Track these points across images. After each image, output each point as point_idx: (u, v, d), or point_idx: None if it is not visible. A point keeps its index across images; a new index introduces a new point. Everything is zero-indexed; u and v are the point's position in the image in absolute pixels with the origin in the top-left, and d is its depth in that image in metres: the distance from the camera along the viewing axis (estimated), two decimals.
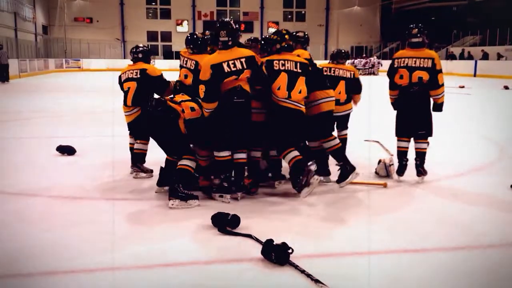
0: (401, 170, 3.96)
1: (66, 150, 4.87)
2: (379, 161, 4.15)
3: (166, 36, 32.25)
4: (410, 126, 3.91)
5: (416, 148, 3.92)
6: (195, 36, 3.85)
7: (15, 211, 3.18)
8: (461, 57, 23.01)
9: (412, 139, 3.96)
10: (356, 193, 3.67)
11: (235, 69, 3.31)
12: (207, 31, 4.01)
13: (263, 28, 32.65)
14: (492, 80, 18.10)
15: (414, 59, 3.79)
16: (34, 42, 26.99)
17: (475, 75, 20.93)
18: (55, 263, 2.37)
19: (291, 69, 3.43)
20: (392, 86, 3.99)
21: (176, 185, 3.23)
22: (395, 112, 4.06)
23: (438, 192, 3.72)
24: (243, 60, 3.33)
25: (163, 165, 3.59)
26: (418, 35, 3.80)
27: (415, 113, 3.88)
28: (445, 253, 2.56)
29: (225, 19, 3.58)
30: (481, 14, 24.82)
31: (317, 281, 2.15)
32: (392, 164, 4.11)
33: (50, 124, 7.35)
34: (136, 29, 31.18)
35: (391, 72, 3.96)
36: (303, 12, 33.61)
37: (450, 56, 24.03)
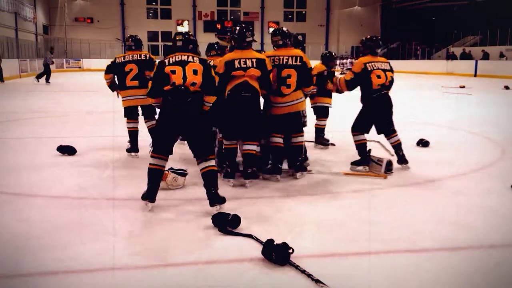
0: (367, 162, 4.29)
1: (67, 150, 4.86)
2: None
3: (167, 36, 32.26)
4: (385, 123, 4.35)
5: (395, 142, 4.35)
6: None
7: (15, 211, 3.17)
8: (463, 57, 22.94)
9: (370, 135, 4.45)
10: (356, 194, 3.66)
11: (244, 66, 3.65)
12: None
13: (263, 28, 32.65)
14: (493, 80, 18.10)
15: (382, 63, 4.28)
16: (35, 42, 26.99)
17: (475, 75, 20.92)
18: (55, 263, 2.37)
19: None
20: (369, 86, 4.21)
21: (216, 190, 3.14)
22: (363, 109, 4.34)
23: (438, 192, 3.72)
24: (254, 60, 3.67)
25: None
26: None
27: (390, 111, 4.37)
28: (446, 253, 2.56)
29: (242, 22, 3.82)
30: (482, 14, 24.79)
31: (317, 281, 2.15)
32: (381, 162, 4.15)
33: (51, 124, 7.34)
34: (137, 29, 31.13)
35: (367, 74, 4.17)
36: (303, 12, 33.62)
37: (451, 56, 23.98)
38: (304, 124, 4.13)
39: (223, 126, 3.89)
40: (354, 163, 4.33)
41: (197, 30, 32.34)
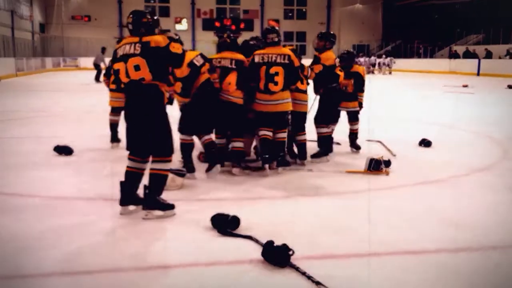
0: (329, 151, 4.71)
1: (64, 150, 4.82)
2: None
3: None
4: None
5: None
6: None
7: (12, 211, 3.15)
8: (466, 55, 22.86)
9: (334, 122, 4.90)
10: (357, 194, 3.64)
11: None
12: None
13: (263, 26, 32.57)
14: (496, 79, 18.09)
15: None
16: (31, 40, 26.90)
17: (478, 74, 20.87)
18: (54, 264, 2.34)
19: (226, 65, 3.97)
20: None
21: (151, 195, 2.94)
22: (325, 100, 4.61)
23: (439, 192, 3.70)
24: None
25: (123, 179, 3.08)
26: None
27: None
28: (446, 254, 2.54)
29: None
30: (485, 12, 24.73)
31: (318, 283, 2.12)
32: (381, 162, 4.12)
33: (47, 124, 7.30)
34: None
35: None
36: (304, 10, 33.57)
37: (453, 55, 23.88)
38: (288, 122, 4.21)
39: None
40: None
41: (196, 28, 32.28)
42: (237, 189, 3.70)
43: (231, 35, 4.13)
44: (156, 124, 2.92)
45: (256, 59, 3.99)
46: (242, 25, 32.36)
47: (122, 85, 2.96)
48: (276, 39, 4.00)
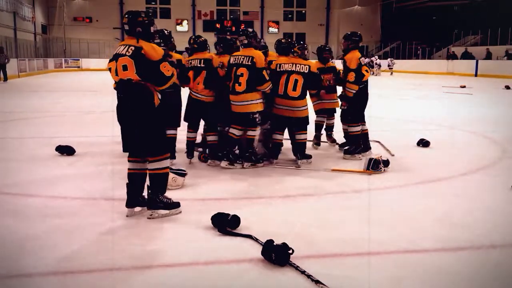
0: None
1: (65, 150, 4.85)
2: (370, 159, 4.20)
3: None
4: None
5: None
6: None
7: (14, 211, 3.16)
8: (465, 56, 22.86)
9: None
10: (356, 194, 3.66)
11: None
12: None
13: (263, 28, 32.62)
14: (493, 80, 18.09)
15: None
16: (34, 41, 26.95)
17: (476, 75, 20.89)
18: (54, 264, 2.36)
19: (195, 65, 4.35)
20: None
21: (153, 195, 2.97)
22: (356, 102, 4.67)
23: (438, 192, 3.71)
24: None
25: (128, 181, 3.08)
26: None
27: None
28: (446, 253, 2.55)
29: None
30: (483, 13, 24.75)
31: (317, 281, 2.14)
32: (380, 161, 4.16)
33: (49, 124, 7.32)
34: None
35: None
36: (303, 11, 33.59)
37: (451, 56, 23.93)
38: (258, 122, 4.29)
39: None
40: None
41: (196, 29, 32.31)
42: (237, 188, 3.72)
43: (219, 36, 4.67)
44: (146, 123, 2.92)
45: (231, 60, 4.24)
46: (242, 27, 32.36)
47: (114, 85, 2.99)
48: (246, 41, 4.16)
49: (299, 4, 33.37)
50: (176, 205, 3.04)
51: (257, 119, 4.19)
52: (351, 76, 4.51)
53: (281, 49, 4.58)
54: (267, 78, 4.12)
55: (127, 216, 3.02)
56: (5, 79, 16.37)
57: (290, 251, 2.33)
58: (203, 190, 3.65)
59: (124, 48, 2.89)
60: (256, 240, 2.60)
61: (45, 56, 26.59)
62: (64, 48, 28.96)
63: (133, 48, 2.85)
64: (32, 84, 16.20)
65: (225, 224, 2.76)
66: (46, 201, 3.39)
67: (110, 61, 2.97)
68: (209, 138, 4.54)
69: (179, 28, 32.09)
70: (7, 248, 2.55)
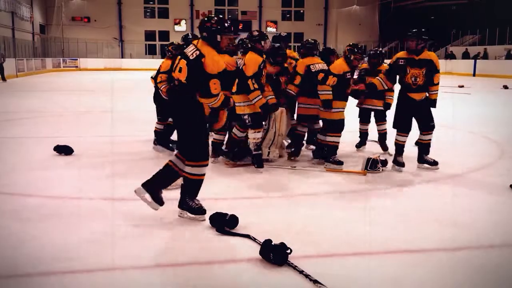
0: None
1: (64, 150, 4.84)
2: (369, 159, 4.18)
3: (164, 36, 32.18)
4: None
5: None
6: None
7: (12, 211, 3.15)
8: (465, 56, 22.88)
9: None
10: (356, 194, 3.66)
11: None
12: None
13: (261, 28, 32.58)
14: (492, 79, 18.12)
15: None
16: (32, 41, 26.88)
17: (474, 74, 20.93)
18: (54, 264, 2.35)
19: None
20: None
21: (182, 195, 3.00)
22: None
23: (438, 192, 3.71)
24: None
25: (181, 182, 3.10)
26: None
27: None
28: (446, 253, 2.55)
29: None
30: (481, 13, 24.80)
31: (315, 281, 2.14)
32: (378, 161, 4.16)
33: (47, 124, 7.30)
34: (134, 28, 31.10)
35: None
36: (301, 11, 33.60)
37: (449, 56, 24.00)
38: (248, 124, 4.23)
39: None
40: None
41: (194, 29, 32.26)
42: (235, 188, 3.71)
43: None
44: (186, 127, 2.94)
45: (238, 62, 4.32)
46: (240, 26, 32.39)
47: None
48: (249, 45, 4.24)
49: (297, 3, 33.37)
50: (201, 211, 2.96)
51: (247, 121, 4.19)
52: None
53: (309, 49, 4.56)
54: (252, 88, 4.00)
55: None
56: (3, 79, 16.33)
57: (288, 251, 2.33)
58: (201, 190, 3.63)
59: (192, 51, 2.88)
60: (254, 239, 2.60)
61: (43, 56, 26.50)
62: (62, 48, 28.89)
63: (197, 53, 2.85)
64: (30, 84, 16.16)
65: (224, 223, 2.76)
66: (44, 201, 3.38)
67: (176, 56, 3.07)
68: (215, 136, 4.59)
69: (177, 28, 32.05)
70: (6, 248, 2.54)
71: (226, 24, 2.92)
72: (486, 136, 6.15)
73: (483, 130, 6.58)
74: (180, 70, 2.89)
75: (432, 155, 4.37)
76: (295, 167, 4.36)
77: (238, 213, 2.86)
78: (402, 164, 4.26)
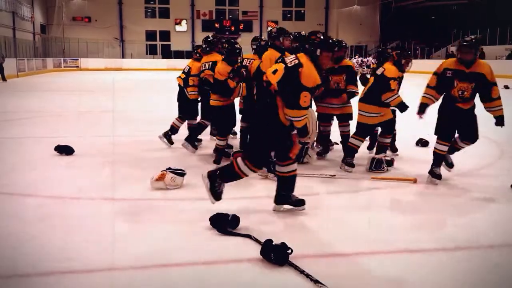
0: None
1: (64, 150, 4.84)
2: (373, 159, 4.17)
3: (165, 36, 32.21)
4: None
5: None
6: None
7: (12, 211, 3.15)
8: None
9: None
10: (356, 194, 3.66)
11: None
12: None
13: (262, 28, 32.59)
14: None
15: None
16: (32, 41, 26.91)
17: None
18: (54, 264, 2.35)
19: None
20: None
21: (277, 192, 3.12)
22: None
23: (438, 192, 3.71)
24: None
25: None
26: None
27: None
28: (446, 253, 2.55)
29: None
30: (482, 13, 24.78)
31: (316, 281, 2.14)
32: (382, 161, 4.15)
33: (48, 124, 7.31)
34: (135, 28, 31.14)
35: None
36: (302, 11, 33.61)
37: (450, 56, 24.00)
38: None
39: None
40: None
41: (195, 29, 32.30)
42: (236, 188, 3.71)
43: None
44: (272, 129, 2.97)
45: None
46: (241, 26, 32.41)
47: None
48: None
49: (298, 3, 33.38)
50: (300, 202, 3.11)
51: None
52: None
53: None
54: (228, 89, 4.23)
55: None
56: (4, 79, 16.35)
57: (289, 251, 2.33)
58: (202, 190, 3.62)
59: (291, 59, 2.93)
60: (255, 239, 2.60)
61: (44, 56, 26.52)
62: (63, 47, 28.92)
63: (296, 61, 2.89)
64: (31, 84, 16.18)
65: (225, 224, 2.75)
66: (44, 201, 3.38)
67: (277, 61, 3.13)
68: (217, 142, 4.50)
69: (178, 28, 32.10)
70: (6, 248, 2.54)
71: (330, 41, 2.97)
72: (486, 136, 6.13)
73: (483, 130, 6.51)
74: (274, 72, 2.91)
75: (430, 155, 4.36)
76: (334, 175, 4.07)
77: (239, 213, 2.86)
78: (438, 177, 3.81)
